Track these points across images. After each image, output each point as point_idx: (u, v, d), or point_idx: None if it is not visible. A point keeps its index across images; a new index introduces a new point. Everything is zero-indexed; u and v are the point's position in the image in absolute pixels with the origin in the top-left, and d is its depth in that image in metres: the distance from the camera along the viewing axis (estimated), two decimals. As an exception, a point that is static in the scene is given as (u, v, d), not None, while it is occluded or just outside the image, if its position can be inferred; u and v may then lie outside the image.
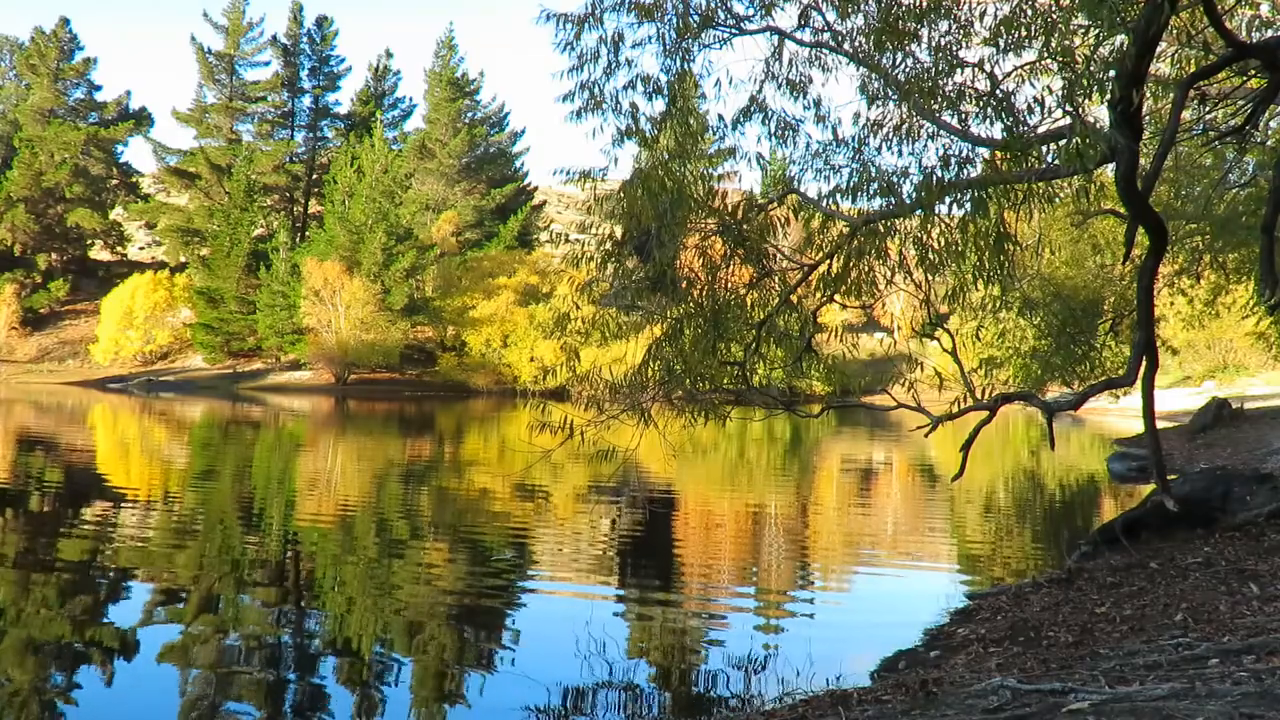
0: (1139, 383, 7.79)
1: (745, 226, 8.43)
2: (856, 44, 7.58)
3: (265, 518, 12.19)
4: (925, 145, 7.06)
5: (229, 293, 56.55)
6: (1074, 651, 5.25)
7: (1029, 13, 6.45)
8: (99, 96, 68.48)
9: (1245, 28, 7.21)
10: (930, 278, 7.95)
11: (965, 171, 6.95)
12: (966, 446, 8.34)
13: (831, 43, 7.79)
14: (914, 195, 7.00)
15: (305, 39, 69.69)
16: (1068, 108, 6.26)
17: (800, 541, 11.50)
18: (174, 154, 68.79)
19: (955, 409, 8.14)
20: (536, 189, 73.22)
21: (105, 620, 7.32)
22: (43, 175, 61.88)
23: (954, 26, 7.09)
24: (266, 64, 70.41)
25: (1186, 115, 9.04)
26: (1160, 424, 9.42)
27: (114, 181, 67.94)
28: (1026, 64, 6.86)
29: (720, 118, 8.31)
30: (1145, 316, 7.73)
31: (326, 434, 27.83)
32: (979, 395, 8.52)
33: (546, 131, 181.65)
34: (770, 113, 7.89)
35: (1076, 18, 6.39)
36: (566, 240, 71.71)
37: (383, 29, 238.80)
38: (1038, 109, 6.55)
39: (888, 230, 7.75)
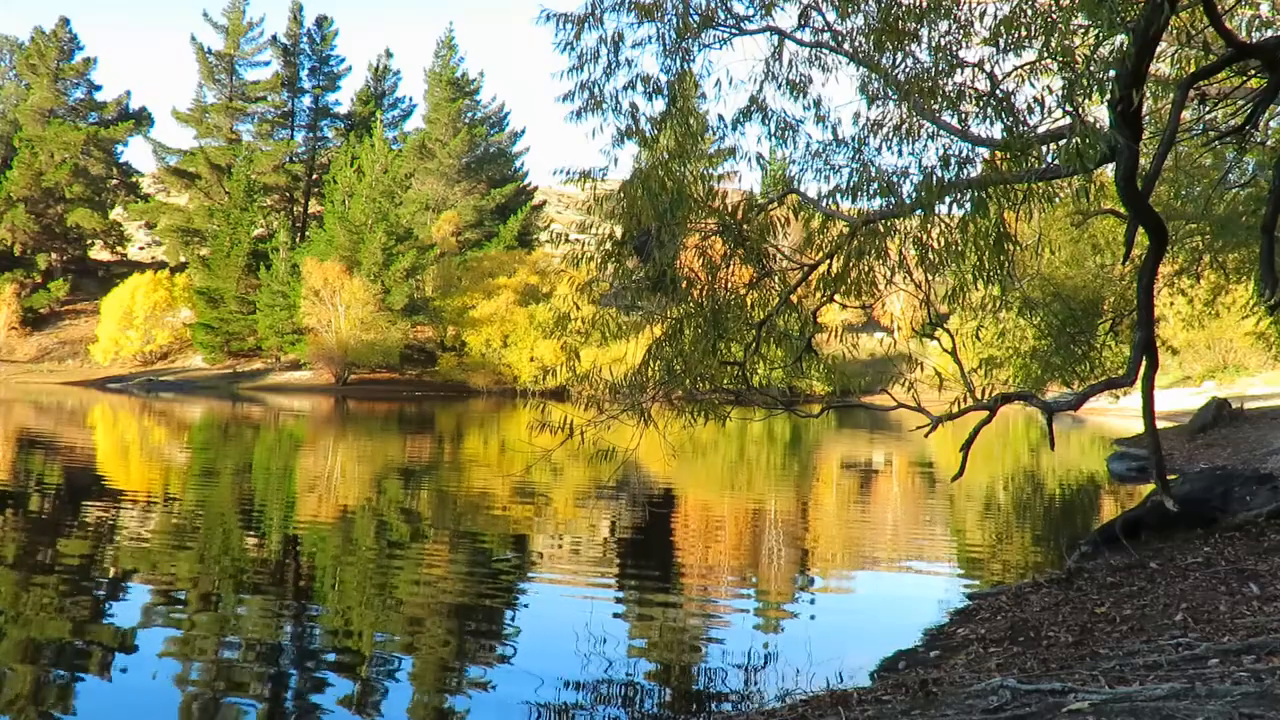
0: (1139, 383, 7.79)
1: (745, 226, 8.43)
2: (856, 44, 7.58)
3: (265, 518, 12.19)
4: (925, 145, 7.07)
5: (229, 293, 56.54)
6: (1074, 651, 5.25)
7: (1029, 13, 6.44)
8: (99, 96, 68.50)
9: (1245, 28, 7.20)
10: (930, 278, 7.95)
11: (965, 171, 6.95)
12: (966, 446, 8.34)
13: (831, 43, 7.79)
14: (914, 195, 7.00)
15: (305, 39, 69.69)
16: (1068, 108, 6.26)
17: (800, 541, 11.49)
18: (174, 154, 68.80)
19: (955, 409, 8.14)
20: (536, 189, 73.20)
21: (105, 620, 7.31)
22: (43, 175, 61.86)
23: (954, 26, 7.09)
24: (266, 64, 70.55)
25: (1186, 115, 9.04)
26: (1160, 424, 9.42)
27: (114, 181, 67.93)
28: (1026, 64, 6.85)
29: (720, 118, 8.31)
30: (1145, 316, 7.74)
31: (326, 434, 27.83)
32: (979, 395, 8.52)
33: (546, 131, 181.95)
34: (770, 113, 7.89)
35: (1076, 18, 6.39)
36: (566, 240, 71.13)
37: (383, 29, 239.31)
38: (1038, 109, 6.55)
39: (888, 230, 7.75)
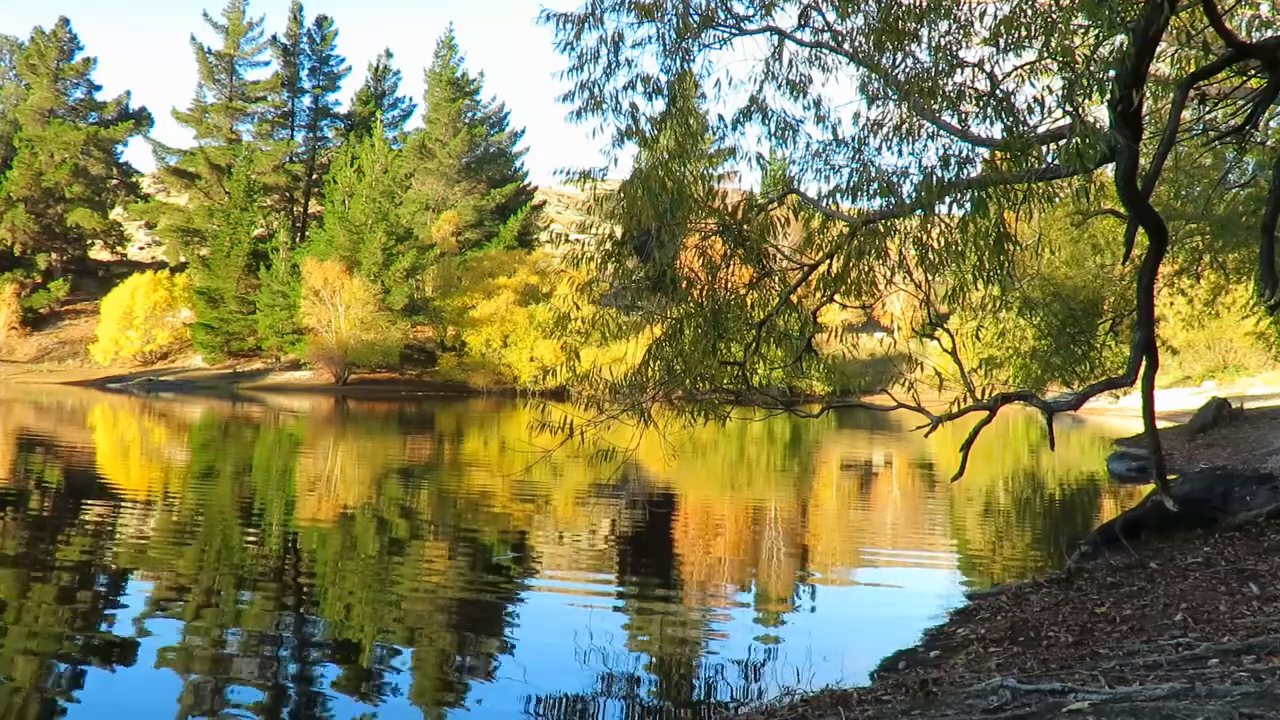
0: (1139, 383, 7.79)
1: (745, 226, 8.43)
2: (856, 44, 7.58)
3: (265, 518, 12.19)
4: (925, 145, 7.07)
5: (229, 293, 56.54)
6: (1074, 651, 5.25)
7: (1029, 13, 6.44)
8: (99, 96, 68.47)
9: (1245, 28, 7.20)
10: (930, 278, 7.94)
11: (965, 171, 6.95)
12: (966, 446, 8.34)
13: (831, 43, 7.79)
14: (914, 195, 7.00)
15: (305, 39, 69.68)
16: (1068, 108, 6.26)
17: (800, 541, 11.49)
18: (174, 154, 68.79)
19: (955, 409, 8.13)
20: (536, 189, 73.19)
21: (105, 620, 7.31)
22: (43, 175, 61.83)
23: (954, 26, 7.09)
24: (266, 64, 70.53)
25: (1186, 115, 9.04)
26: (1160, 424, 9.42)
27: (114, 181, 67.90)
28: (1026, 64, 6.85)
29: (720, 118, 8.31)
30: (1145, 316, 7.74)
31: (326, 434, 27.82)
32: (979, 395, 8.52)
33: (546, 131, 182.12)
34: (770, 113, 7.89)
35: (1076, 18, 6.39)
36: (566, 240, 71.38)
37: (383, 29, 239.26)
38: (1038, 109, 6.55)
39: (888, 230, 7.75)
